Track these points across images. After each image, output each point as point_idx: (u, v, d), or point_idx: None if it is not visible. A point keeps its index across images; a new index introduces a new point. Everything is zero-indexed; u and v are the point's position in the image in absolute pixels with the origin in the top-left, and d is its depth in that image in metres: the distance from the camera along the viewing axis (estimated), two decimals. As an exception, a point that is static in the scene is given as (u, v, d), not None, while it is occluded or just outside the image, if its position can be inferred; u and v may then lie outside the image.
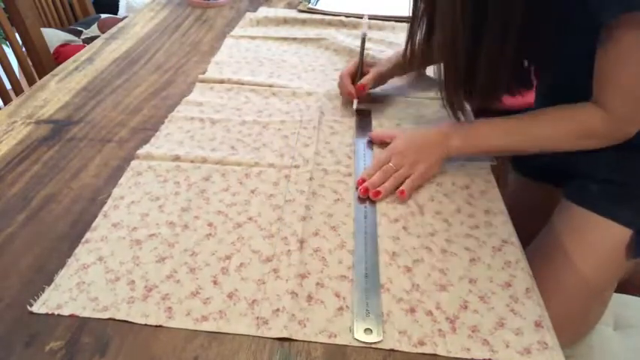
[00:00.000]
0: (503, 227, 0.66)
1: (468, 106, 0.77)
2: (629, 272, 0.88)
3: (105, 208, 0.67)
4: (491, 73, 0.68)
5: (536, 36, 0.65)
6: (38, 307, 0.53)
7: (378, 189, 0.69)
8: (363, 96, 0.90)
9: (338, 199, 0.69)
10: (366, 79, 0.88)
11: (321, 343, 0.50)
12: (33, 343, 0.49)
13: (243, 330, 0.51)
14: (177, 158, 0.76)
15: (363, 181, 0.70)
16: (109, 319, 0.52)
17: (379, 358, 0.49)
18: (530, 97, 0.94)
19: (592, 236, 0.77)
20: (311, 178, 0.73)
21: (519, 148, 0.74)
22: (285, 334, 0.50)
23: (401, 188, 0.69)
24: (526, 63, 0.75)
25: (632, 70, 0.62)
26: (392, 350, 0.50)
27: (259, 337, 0.51)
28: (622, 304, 0.99)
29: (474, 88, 0.70)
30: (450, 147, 0.73)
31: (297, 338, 0.50)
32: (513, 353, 0.50)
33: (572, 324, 0.83)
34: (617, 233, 0.75)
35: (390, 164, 0.72)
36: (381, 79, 0.92)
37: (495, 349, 0.50)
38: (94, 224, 0.64)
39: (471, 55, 0.66)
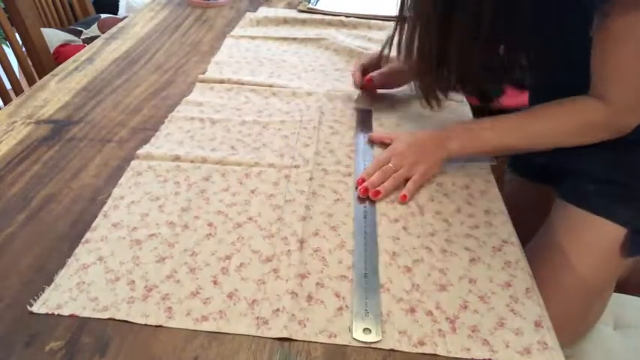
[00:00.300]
0: (503, 227, 0.66)
1: (443, 97, 0.78)
2: (627, 271, 0.88)
3: (105, 208, 0.67)
4: (464, 56, 0.68)
5: (511, 19, 0.65)
6: (38, 307, 0.53)
7: (378, 189, 0.69)
8: (368, 89, 0.91)
9: (338, 199, 0.69)
10: (374, 73, 0.88)
11: (321, 343, 0.50)
12: (33, 343, 0.49)
13: (243, 330, 0.51)
14: (177, 158, 0.76)
15: (363, 180, 0.70)
16: (109, 319, 0.52)
17: (379, 358, 0.49)
18: (525, 96, 0.95)
19: (588, 235, 0.77)
20: (311, 178, 0.73)
21: (520, 146, 0.74)
22: (285, 334, 0.50)
23: (403, 192, 0.69)
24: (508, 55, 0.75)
25: (628, 57, 0.62)
26: (392, 350, 0.50)
27: (259, 337, 0.51)
28: (621, 303, 0.99)
29: (449, 71, 0.71)
30: (450, 149, 0.73)
31: (297, 338, 0.50)
32: (513, 353, 0.50)
33: (571, 324, 0.83)
34: (612, 232, 0.75)
35: (390, 165, 0.72)
36: (395, 77, 0.91)
37: (495, 349, 0.50)
38: (94, 224, 0.64)
39: (444, 34, 0.66)
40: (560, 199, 0.82)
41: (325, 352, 0.50)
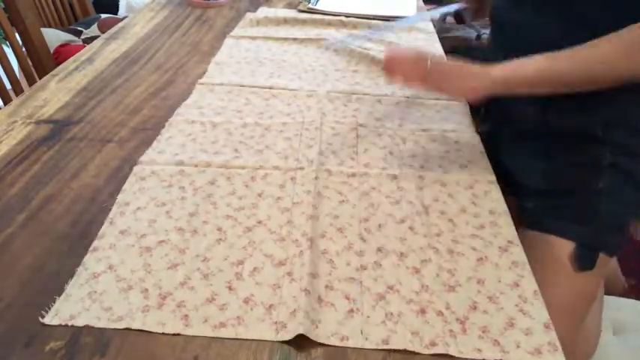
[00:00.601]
0: (509, 228, 0.65)
1: None
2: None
3: (110, 215, 0.65)
4: None
5: None
6: (50, 319, 0.51)
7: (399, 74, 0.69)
8: None
9: (343, 201, 0.69)
10: None
11: (322, 343, 0.50)
12: (33, 343, 0.49)
13: (263, 335, 0.50)
14: (180, 163, 0.75)
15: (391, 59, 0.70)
16: (126, 328, 0.51)
17: (379, 358, 0.49)
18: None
19: (540, 254, 0.73)
20: (316, 178, 0.72)
21: (567, 75, 0.66)
22: (300, 331, 0.49)
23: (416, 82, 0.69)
24: None
25: None
26: (392, 350, 0.49)
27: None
28: (618, 307, 0.99)
29: None
30: (492, 76, 0.68)
31: (311, 337, 0.50)
32: (524, 354, 0.49)
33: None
34: (562, 247, 0.73)
35: (429, 62, 0.69)
36: None
37: (506, 349, 0.50)
38: (100, 232, 0.62)
39: None
40: (524, 229, 0.78)
41: (325, 352, 0.49)
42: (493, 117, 0.86)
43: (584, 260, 0.73)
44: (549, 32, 0.71)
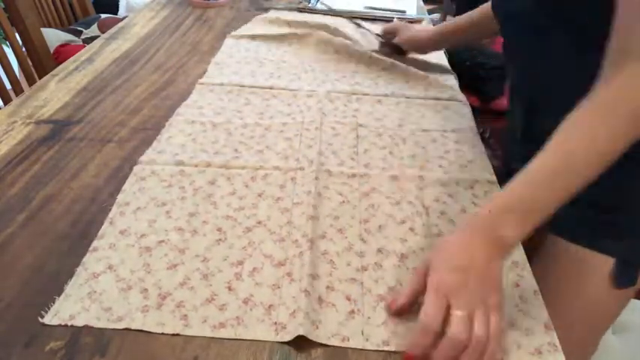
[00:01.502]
0: None
1: None
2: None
3: (110, 215, 0.65)
4: None
5: None
6: (50, 319, 0.51)
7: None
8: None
9: (343, 202, 0.69)
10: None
11: (322, 343, 0.50)
12: (33, 343, 0.49)
13: (262, 336, 0.50)
14: (180, 163, 0.75)
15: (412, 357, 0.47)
16: (125, 329, 0.50)
17: (379, 359, 0.49)
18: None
19: (573, 268, 0.70)
20: (317, 178, 0.72)
21: (581, 177, 0.52)
22: (300, 332, 0.49)
23: None
24: None
25: None
26: (392, 351, 0.49)
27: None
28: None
29: None
30: (506, 241, 0.51)
31: (311, 338, 0.49)
32: (524, 354, 0.49)
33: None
34: (600, 262, 0.69)
35: (457, 334, 0.45)
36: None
37: (506, 349, 0.50)
38: (100, 232, 0.62)
39: None
40: (549, 233, 0.74)
41: (325, 352, 0.49)
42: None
43: (624, 277, 0.68)
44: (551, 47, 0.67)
